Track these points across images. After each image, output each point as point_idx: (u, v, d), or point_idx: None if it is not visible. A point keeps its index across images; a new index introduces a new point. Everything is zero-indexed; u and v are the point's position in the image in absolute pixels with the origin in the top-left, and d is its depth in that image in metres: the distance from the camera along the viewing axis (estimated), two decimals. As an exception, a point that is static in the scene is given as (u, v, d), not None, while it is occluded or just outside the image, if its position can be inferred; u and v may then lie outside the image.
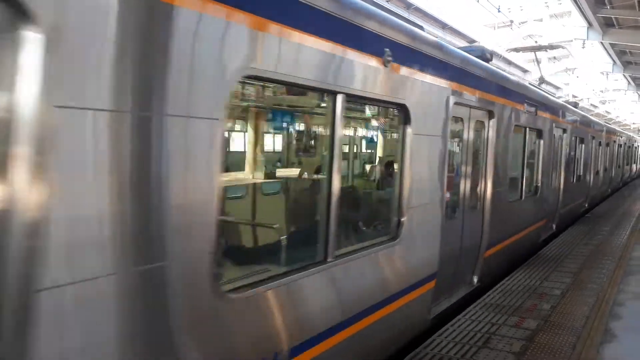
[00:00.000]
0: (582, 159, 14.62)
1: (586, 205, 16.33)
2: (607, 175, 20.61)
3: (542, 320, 6.00)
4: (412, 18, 18.97)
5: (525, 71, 30.36)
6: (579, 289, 7.35)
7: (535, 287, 7.42)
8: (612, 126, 24.22)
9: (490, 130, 7.04)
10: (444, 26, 21.70)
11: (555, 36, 25.91)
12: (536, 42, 26.01)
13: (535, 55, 12.04)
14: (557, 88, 35.65)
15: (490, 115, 7.00)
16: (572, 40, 24.74)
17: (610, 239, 11.59)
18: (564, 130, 11.82)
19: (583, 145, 14.61)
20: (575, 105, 15.31)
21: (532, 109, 8.85)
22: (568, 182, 12.70)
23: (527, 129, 8.93)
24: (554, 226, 11.86)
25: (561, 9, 23.58)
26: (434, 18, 20.83)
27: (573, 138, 12.93)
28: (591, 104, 41.32)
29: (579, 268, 8.63)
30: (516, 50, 11.26)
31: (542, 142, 9.86)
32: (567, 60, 30.41)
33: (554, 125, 10.59)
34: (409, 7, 19.28)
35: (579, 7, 16.17)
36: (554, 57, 29.04)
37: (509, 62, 28.41)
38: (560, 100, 13.38)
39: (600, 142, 17.88)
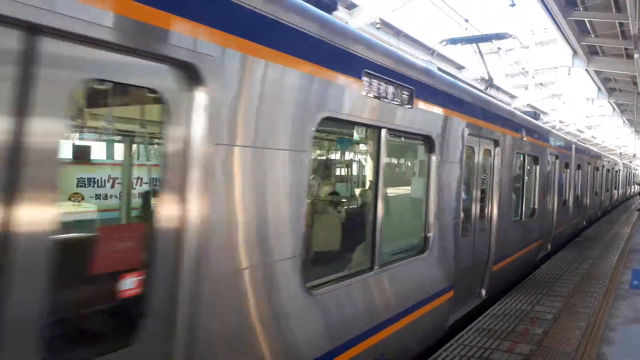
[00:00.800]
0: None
1: (584, 222, 17.64)
2: (597, 199, 21.51)
3: (535, 345, 5.97)
4: (401, 45, 19.28)
5: (513, 97, 30.87)
6: (570, 313, 7.35)
7: (527, 311, 7.41)
8: (597, 150, 24.62)
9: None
10: (433, 52, 22.06)
11: (541, 63, 26.46)
12: (523, 68, 26.52)
13: (479, 48, 11.56)
14: (544, 113, 36.24)
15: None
16: (557, 67, 25.28)
17: (599, 262, 11.64)
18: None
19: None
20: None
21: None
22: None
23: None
24: (549, 246, 12.47)
25: (547, 37, 24.14)
26: (423, 45, 21.17)
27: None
28: (577, 129, 42.00)
29: (570, 292, 8.64)
30: (453, 42, 10.98)
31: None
32: (553, 87, 31.02)
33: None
34: (398, 34, 19.61)
35: (564, 35, 16.56)
36: (541, 84, 29.60)
37: (498, 88, 28.91)
38: (550, 128, 14.27)
39: (588, 167, 18.73)
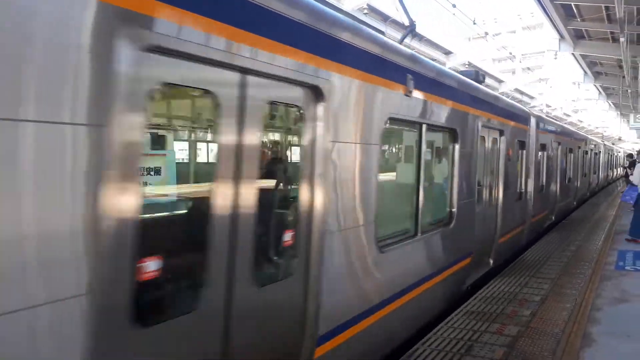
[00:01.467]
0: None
1: (574, 203, 19.35)
2: (586, 180, 22.83)
3: (523, 326, 6.08)
4: (389, 30, 19.19)
5: (500, 81, 30.95)
6: (557, 295, 7.48)
7: (515, 293, 7.52)
8: (584, 134, 24.81)
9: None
10: (420, 38, 22.00)
11: (528, 47, 26.53)
12: (510, 53, 26.60)
13: None
14: (531, 98, 36.43)
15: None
16: (544, 52, 25.36)
17: (586, 244, 11.83)
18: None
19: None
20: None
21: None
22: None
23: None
24: (553, 217, 14.68)
25: (534, 21, 24.16)
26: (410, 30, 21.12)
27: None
28: (564, 113, 42.31)
29: (558, 274, 8.78)
30: None
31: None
32: (540, 71, 31.15)
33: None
34: (385, 19, 19.51)
35: (550, 19, 16.60)
36: (528, 68, 29.72)
37: (485, 73, 29.02)
38: (551, 119, 16.72)
39: (579, 151, 19.84)
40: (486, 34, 24.62)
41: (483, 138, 8.24)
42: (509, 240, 10.05)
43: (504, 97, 10.95)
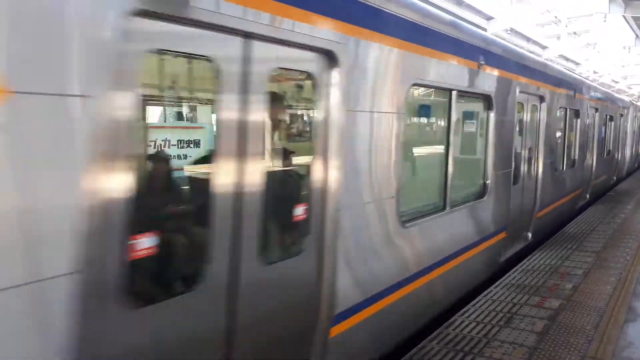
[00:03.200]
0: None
1: (614, 178, 17.52)
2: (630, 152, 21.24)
3: (565, 299, 5.97)
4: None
5: (544, 47, 29.68)
6: (601, 268, 7.29)
7: (557, 266, 7.37)
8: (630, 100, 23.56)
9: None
10: (460, 3, 21.23)
11: (574, 10, 25.18)
12: (555, 17, 25.40)
13: None
14: (576, 64, 34.81)
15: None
16: (592, 15, 24.04)
17: (632, 217, 11.42)
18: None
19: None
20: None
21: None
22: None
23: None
24: (587, 196, 13.21)
25: (581, -18, 22.88)
26: (449, -5, 20.37)
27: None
28: (612, 79, 40.32)
29: (602, 247, 8.54)
30: None
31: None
32: (587, 36, 29.63)
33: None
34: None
35: (600, -21, 15.69)
36: (574, 32, 28.31)
37: (528, 39, 27.79)
38: (590, 82, 14.75)
39: (621, 119, 18.39)
40: (530, -4, 23.50)
41: (521, 105, 7.78)
42: (550, 213, 9.64)
43: (545, 61, 10.49)
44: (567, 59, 33.23)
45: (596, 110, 13.48)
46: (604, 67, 36.27)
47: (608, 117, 15.49)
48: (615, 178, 17.66)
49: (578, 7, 24.32)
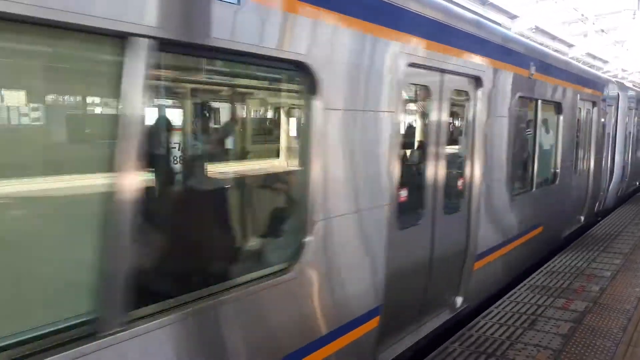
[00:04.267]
0: None
1: None
2: None
3: (591, 302, 5.86)
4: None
5: (570, 45, 29.10)
6: (630, 270, 7.12)
7: (583, 268, 7.23)
8: None
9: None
10: (483, 2, 21.00)
11: (602, 8, 24.63)
12: (582, 14, 24.88)
13: None
14: (604, 62, 34.04)
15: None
16: (621, 11, 23.48)
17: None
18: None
19: None
20: None
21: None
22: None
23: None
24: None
25: (609, -21, 22.37)
26: (473, -6, 20.16)
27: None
28: (642, 78, 39.24)
29: (631, 249, 8.34)
30: None
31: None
32: (615, 33, 28.95)
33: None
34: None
35: (628, -25, 15.30)
36: (602, 30, 27.69)
37: (553, 37, 27.29)
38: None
39: None
40: (555, -6, 23.07)
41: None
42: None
43: (594, 71, 11.89)
44: (594, 57, 32.54)
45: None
46: (633, 64, 35.37)
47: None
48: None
49: (606, 4, 23.79)
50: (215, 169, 4.60)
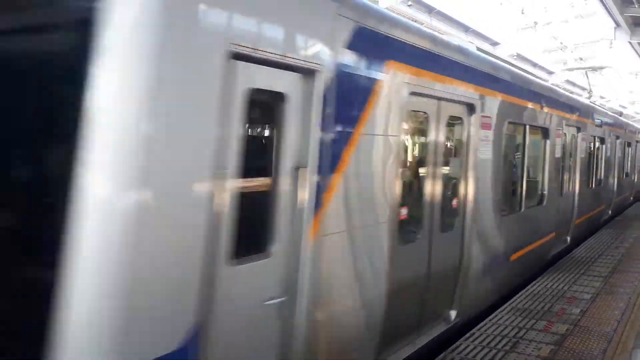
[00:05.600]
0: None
1: (631, 197, 19.38)
2: None
3: (572, 324, 5.89)
4: (434, 22, 18.85)
5: (550, 73, 29.85)
6: (610, 294, 7.19)
7: (564, 291, 7.29)
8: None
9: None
10: (466, 29, 21.50)
11: (581, 37, 25.40)
12: (561, 42, 25.59)
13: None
14: (583, 89, 34.91)
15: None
16: (598, 41, 24.19)
17: (642, 242, 11.30)
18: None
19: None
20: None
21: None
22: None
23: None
24: (610, 212, 15.06)
25: (587, 10, 23.09)
26: (456, 21, 20.65)
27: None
28: (620, 105, 40.29)
29: (610, 272, 8.44)
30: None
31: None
32: (593, 61, 29.81)
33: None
34: (430, 10, 19.15)
35: (605, 7, 15.87)
36: (580, 58, 28.48)
37: (534, 64, 27.99)
38: (613, 113, 17.18)
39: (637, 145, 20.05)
40: (535, 23, 23.76)
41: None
42: (584, 221, 11.67)
43: (581, 99, 13.08)
44: (573, 84, 33.34)
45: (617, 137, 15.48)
46: (611, 92, 36.33)
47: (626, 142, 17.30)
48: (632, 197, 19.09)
49: (584, 34, 24.51)
50: None
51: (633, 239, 11.68)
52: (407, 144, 5.11)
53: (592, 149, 12.29)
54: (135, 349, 2.37)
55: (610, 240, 11.39)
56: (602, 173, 13.49)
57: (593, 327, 5.81)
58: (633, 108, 43.93)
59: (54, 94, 2.59)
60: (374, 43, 4.05)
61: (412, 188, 5.24)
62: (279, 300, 3.21)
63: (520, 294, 7.15)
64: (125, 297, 2.30)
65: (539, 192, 8.61)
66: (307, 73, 3.31)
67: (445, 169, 5.55)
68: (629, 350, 5.18)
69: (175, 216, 2.53)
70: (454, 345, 5.23)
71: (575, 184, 10.69)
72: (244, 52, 2.79)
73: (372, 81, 3.97)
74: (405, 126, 4.71)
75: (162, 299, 2.47)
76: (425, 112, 5.02)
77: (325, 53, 3.44)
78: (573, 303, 6.72)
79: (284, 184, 3.25)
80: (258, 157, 3.24)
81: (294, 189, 3.29)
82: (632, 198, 19.22)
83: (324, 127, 3.43)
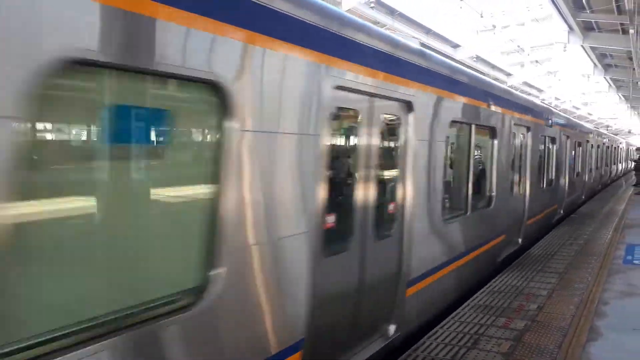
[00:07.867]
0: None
1: (582, 197, 19.49)
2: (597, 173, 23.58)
3: (530, 320, 6.09)
4: (396, 25, 19.11)
5: (508, 74, 30.73)
6: (565, 289, 7.48)
7: (522, 287, 7.53)
8: (593, 128, 24.52)
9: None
10: (427, 32, 21.88)
11: (537, 40, 26.26)
12: (519, 46, 26.39)
13: None
14: (540, 91, 36.08)
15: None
16: (553, 44, 25.07)
17: (594, 238, 11.78)
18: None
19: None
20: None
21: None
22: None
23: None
24: (562, 211, 15.11)
25: (543, 13, 23.91)
26: (417, 24, 21.00)
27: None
28: (573, 106, 41.86)
29: (565, 268, 8.77)
30: None
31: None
32: (549, 64, 30.85)
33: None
34: (392, 12, 19.41)
35: (559, 11, 16.45)
36: (537, 61, 29.43)
37: (493, 66, 28.75)
38: (567, 115, 17.61)
39: (587, 145, 20.01)
40: (494, 26, 24.42)
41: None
42: (536, 221, 11.51)
43: (529, 98, 12.52)
44: (530, 86, 34.42)
45: (567, 137, 15.38)
46: (565, 94, 37.68)
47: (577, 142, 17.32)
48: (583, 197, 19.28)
49: (539, 37, 25.36)
50: None
51: (587, 235, 12.17)
52: (333, 144, 4.32)
53: (542, 149, 11.98)
54: None
55: (564, 239, 11.82)
56: (553, 173, 13.28)
57: (549, 322, 6.03)
58: (586, 109, 45.71)
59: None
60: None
61: (342, 194, 4.62)
62: None
63: (481, 290, 7.34)
64: None
65: (487, 194, 8.26)
66: None
67: (380, 172, 5.04)
68: (583, 343, 5.40)
69: None
70: (418, 344, 5.33)
71: (525, 185, 10.41)
72: None
73: None
74: (327, 124, 3.99)
75: None
76: (354, 110, 4.53)
77: None
78: (531, 299, 6.95)
79: None
80: None
81: None
82: (583, 197, 19.57)
83: None
